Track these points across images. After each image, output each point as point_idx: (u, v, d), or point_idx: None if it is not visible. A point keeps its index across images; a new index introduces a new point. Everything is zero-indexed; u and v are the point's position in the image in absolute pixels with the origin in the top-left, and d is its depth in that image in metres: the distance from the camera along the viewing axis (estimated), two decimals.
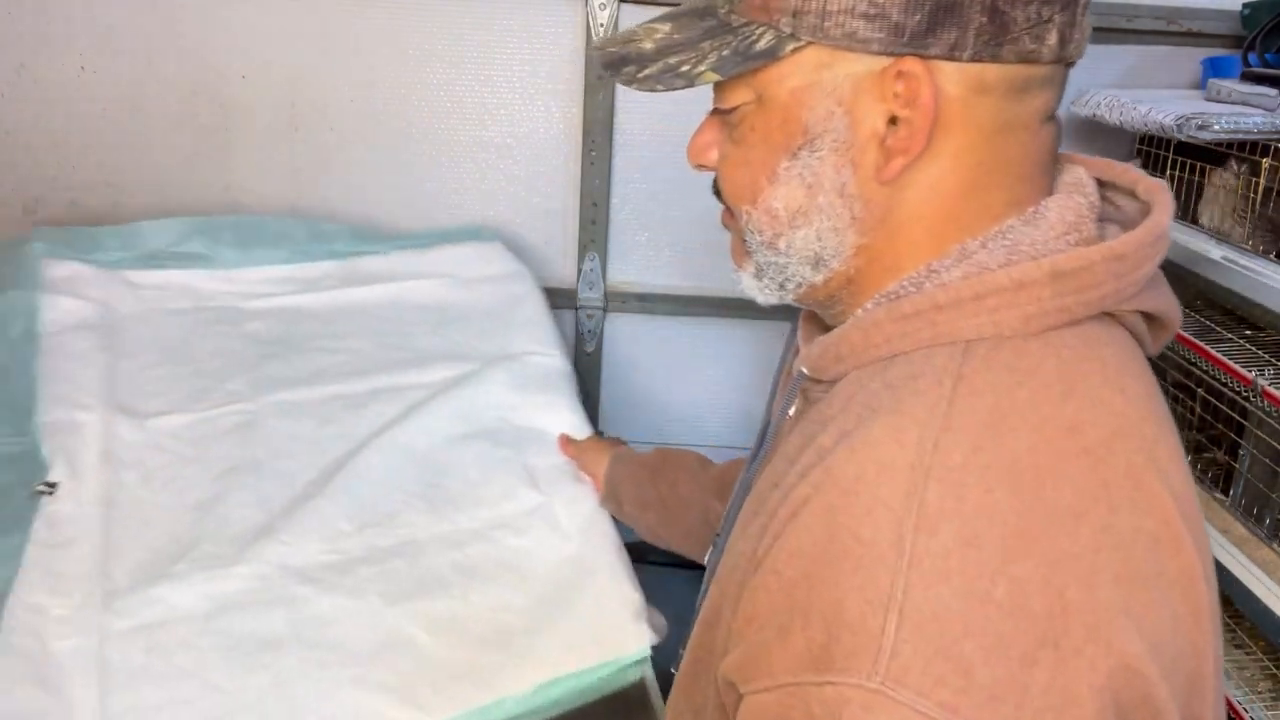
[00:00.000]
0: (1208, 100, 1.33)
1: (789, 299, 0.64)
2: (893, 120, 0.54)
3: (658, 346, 1.76)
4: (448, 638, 0.95)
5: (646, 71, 0.60)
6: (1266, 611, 1.06)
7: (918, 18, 0.52)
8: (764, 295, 0.65)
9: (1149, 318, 0.59)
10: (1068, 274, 0.53)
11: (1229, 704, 1.14)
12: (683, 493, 1.04)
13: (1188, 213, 1.36)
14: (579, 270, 1.70)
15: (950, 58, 0.53)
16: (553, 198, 1.69)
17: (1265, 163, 1.20)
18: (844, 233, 0.58)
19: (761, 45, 0.56)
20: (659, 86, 0.59)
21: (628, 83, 0.61)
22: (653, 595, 1.04)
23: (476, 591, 1.00)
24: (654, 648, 1.00)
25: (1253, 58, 1.37)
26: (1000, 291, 0.53)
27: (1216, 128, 1.18)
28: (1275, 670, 1.20)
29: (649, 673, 0.99)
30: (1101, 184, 0.61)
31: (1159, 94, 1.41)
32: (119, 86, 1.63)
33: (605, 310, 1.72)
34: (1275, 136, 1.18)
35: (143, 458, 1.09)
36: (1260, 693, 1.16)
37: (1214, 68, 1.46)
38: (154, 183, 1.68)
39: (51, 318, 1.24)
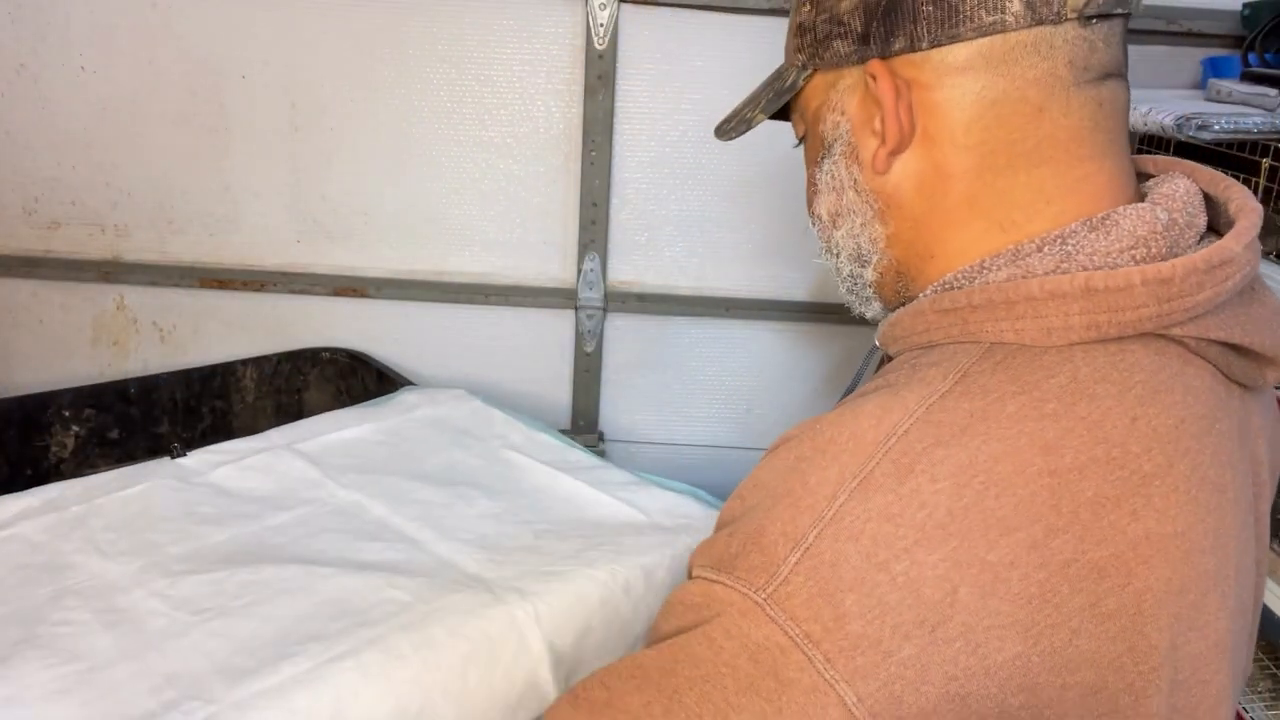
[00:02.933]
0: (1208, 100, 1.33)
1: (876, 306, 0.68)
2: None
3: (658, 346, 1.76)
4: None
5: (730, 125, 0.72)
6: (1266, 611, 1.06)
7: (874, 24, 0.58)
8: (858, 307, 0.69)
9: (1237, 348, 0.56)
10: (1101, 292, 0.52)
11: None
12: None
13: None
14: (579, 270, 1.70)
15: (913, 50, 0.57)
16: (553, 198, 1.69)
17: (1265, 163, 1.20)
18: (871, 225, 0.63)
19: (789, 82, 0.66)
20: (733, 134, 0.72)
21: (718, 135, 0.73)
22: None
23: None
24: None
25: (1253, 58, 1.37)
26: (1030, 300, 0.53)
27: (1216, 128, 1.18)
28: (1275, 670, 1.20)
29: None
30: (1213, 199, 0.60)
31: (1159, 94, 1.41)
32: (119, 86, 1.63)
33: (605, 310, 1.72)
34: (1275, 136, 1.18)
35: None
36: (1260, 692, 1.16)
37: (1214, 68, 1.46)
38: (154, 183, 1.69)
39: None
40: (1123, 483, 0.50)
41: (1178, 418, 0.53)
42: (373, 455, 1.33)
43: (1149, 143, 1.45)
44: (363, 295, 1.73)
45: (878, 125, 0.59)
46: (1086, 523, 0.49)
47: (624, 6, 1.56)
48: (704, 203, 1.69)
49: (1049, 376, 0.52)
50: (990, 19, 0.55)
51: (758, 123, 0.70)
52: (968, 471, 0.49)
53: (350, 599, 1.00)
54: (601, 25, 1.56)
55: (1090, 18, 0.55)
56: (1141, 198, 0.59)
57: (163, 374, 1.66)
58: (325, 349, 1.75)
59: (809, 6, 0.62)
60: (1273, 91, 1.22)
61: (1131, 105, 1.36)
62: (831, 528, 0.49)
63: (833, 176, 0.64)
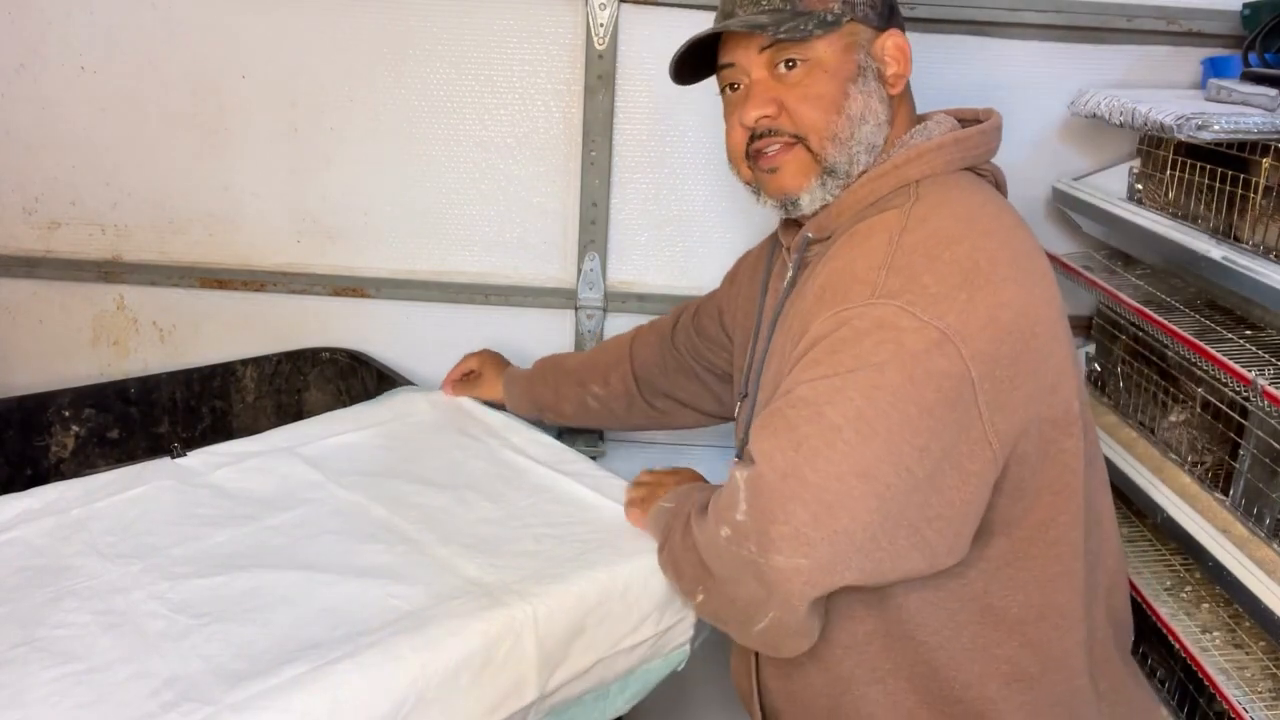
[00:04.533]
0: (1208, 100, 1.33)
1: (836, 191, 1.02)
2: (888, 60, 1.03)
3: None
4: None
5: (778, 31, 0.99)
6: (1266, 611, 1.06)
7: (887, 11, 1.04)
8: (821, 197, 1.03)
9: (999, 185, 1.06)
10: (962, 139, 1.01)
11: (1229, 703, 1.14)
12: (567, 394, 1.47)
13: (1187, 212, 1.36)
14: (579, 270, 1.70)
15: (899, 27, 1.05)
16: (553, 198, 1.69)
17: (1265, 162, 1.20)
18: (883, 126, 1.02)
19: (830, 19, 1.00)
20: (782, 36, 0.99)
21: (761, 30, 1.00)
22: None
23: None
24: None
25: (1253, 58, 1.37)
26: (931, 150, 1.00)
27: (1216, 128, 1.18)
28: (1275, 670, 1.20)
29: None
30: (964, 119, 1.06)
31: (1159, 94, 1.41)
32: (119, 86, 1.63)
33: (605, 310, 1.72)
34: (1275, 136, 1.18)
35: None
36: (1260, 693, 1.16)
37: (1214, 68, 1.46)
38: (154, 183, 1.69)
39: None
40: (1011, 222, 0.97)
41: (1004, 202, 1.02)
42: (373, 457, 1.33)
43: (1149, 142, 1.45)
44: (363, 295, 1.73)
45: (888, 62, 1.02)
46: (1002, 236, 0.93)
47: (624, 6, 1.56)
48: (704, 203, 1.69)
49: (956, 181, 0.99)
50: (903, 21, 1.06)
51: (813, 37, 0.99)
52: (955, 214, 0.93)
53: (350, 607, 1.00)
54: (601, 25, 1.56)
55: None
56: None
57: (163, 374, 1.66)
58: (325, 349, 1.75)
59: None
60: (1273, 91, 1.22)
61: (1131, 105, 1.37)
62: (898, 250, 0.90)
63: (863, 92, 1.01)
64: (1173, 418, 1.37)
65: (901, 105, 1.04)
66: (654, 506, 1.12)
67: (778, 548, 0.83)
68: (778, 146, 1.01)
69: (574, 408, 1.48)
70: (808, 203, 1.02)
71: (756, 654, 1.09)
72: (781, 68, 1.01)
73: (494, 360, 1.54)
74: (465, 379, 1.52)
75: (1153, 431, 1.41)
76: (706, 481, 1.19)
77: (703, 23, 1.75)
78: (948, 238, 0.89)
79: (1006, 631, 0.95)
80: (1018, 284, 0.89)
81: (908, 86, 1.05)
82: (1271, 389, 1.07)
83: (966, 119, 1.06)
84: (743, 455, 1.05)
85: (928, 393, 0.83)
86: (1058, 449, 0.93)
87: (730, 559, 0.89)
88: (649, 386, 1.44)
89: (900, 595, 0.94)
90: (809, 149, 1.00)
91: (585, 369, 1.48)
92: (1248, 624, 1.24)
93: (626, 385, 1.44)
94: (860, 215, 0.98)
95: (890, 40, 1.02)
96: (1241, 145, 1.22)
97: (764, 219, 1.69)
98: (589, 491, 1.24)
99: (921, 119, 1.06)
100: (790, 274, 1.07)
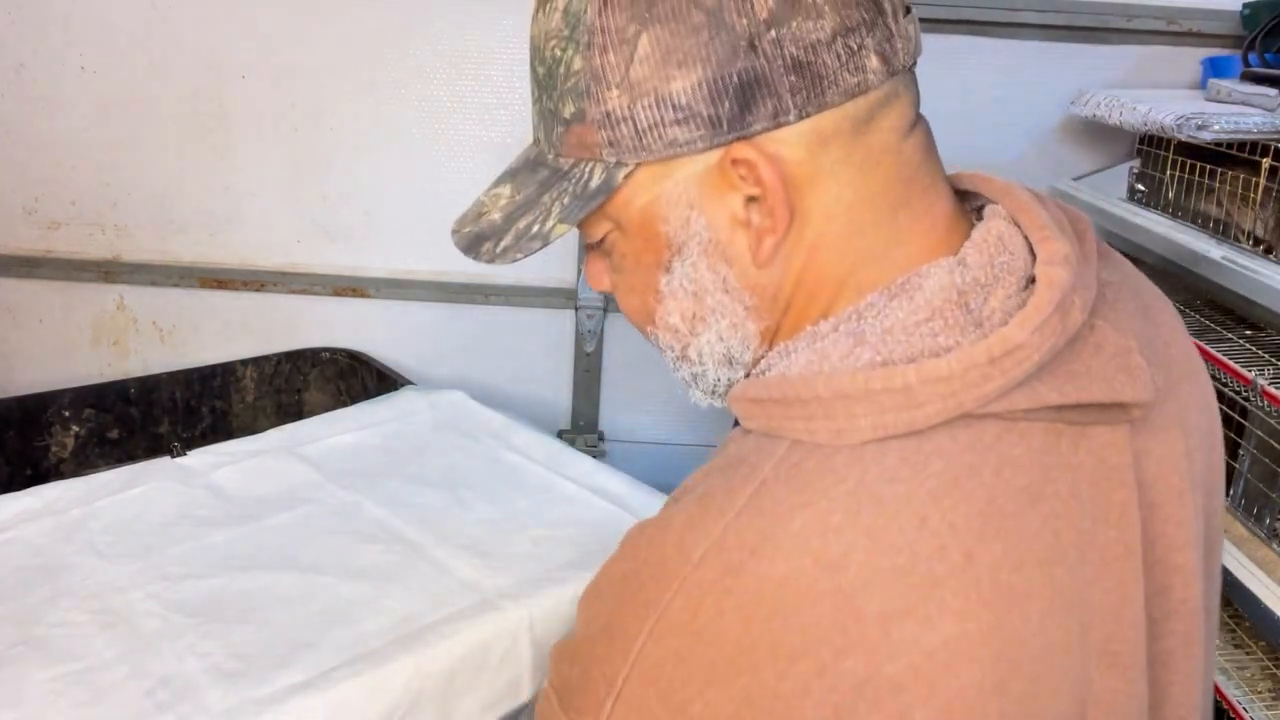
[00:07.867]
0: (1208, 100, 1.33)
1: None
2: (751, 199, 0.53)
3: None
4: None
5: (503, 244, 0.60)
6: (1266, 611, 1.06)
7: (726, 104, 0.51)
8: (710, 402, 0.64)
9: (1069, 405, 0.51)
10: (880, 393, 0.49)
11: (1229, 704, 1.14)
12: None
13: (1188, 212, 1.36)
14: (579, 270, 1.70)
15: (778, 125, 0.52)
16: None
17: (1265, 163, 1.20)
18: (743, 325, 0.58)
19: (595, 182, 0.56)
20: (519, 255, 0.59)
21: (489, 260, 0.61)
22: None
23: None
24: None
25: (1253, 58, 1.37)
26: (819, 400, 0.50)
27: (1216, 128, 1.18)
28: (1275, 670, 1.20)
29: None
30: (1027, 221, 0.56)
31: (1159, 94, 1.41)
32: (119, 86, 1.63)
33: (605, 310, 1.72)
34: (1275, 136, 1.18)
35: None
36: (1260, 693, 1.16)
37: (1214, 68, 1.46)
38: (154, 183, 1.69)
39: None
40: (911, 591, 0.47)
41: (985, 501, 0.49)
42: (372, 457, 1.33)
43: (1148, 142, 1.45)
44: (363, 295, 1.73)
45: (745, 214, 0.54)
46: (875, 640, 0.47)
47: None
48: None
49: (838, 483, 0.49)
50: (854, 80, 0.52)
51: (556, 237, 0.58)
52: (754, 601, 0.48)
53: (348, 609, 1.00)
54: None
55: (910, 68, 0.56)
56: (970, 227, 0.57)
57: (163, 374, 1.65)
58: (325, 349, 1.75)
59: (617, 92, 0.53)
60: (1273, 91, 1.22)
61: (1131, 105, 1.37)
62: (636, 671, 0.50)
63: (691, 280, 0.57)
64: None
65: (815, 255, 0.55)
66: None
67: None
68: None
69: None
70: (703, 404, 0.66)
71: None
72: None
73: None
74: None
75: None
76: None
77: None
78: (714, 666, 0.49)
79: None
80: None
81: (884, 201, 0.55)
82: (1271, 389, 1.07)
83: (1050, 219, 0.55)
84: None
85: None
86: None
87: None
88: None
89: None
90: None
91: None
92: (1248, 624, 1.24)
93: None
94: (737, 430, 0.58)
95: (719, 165, 0.54)
96: (1241, 145, 1.22)
97: None
98: (588, 494, 1.24)
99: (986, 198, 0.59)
100: None
